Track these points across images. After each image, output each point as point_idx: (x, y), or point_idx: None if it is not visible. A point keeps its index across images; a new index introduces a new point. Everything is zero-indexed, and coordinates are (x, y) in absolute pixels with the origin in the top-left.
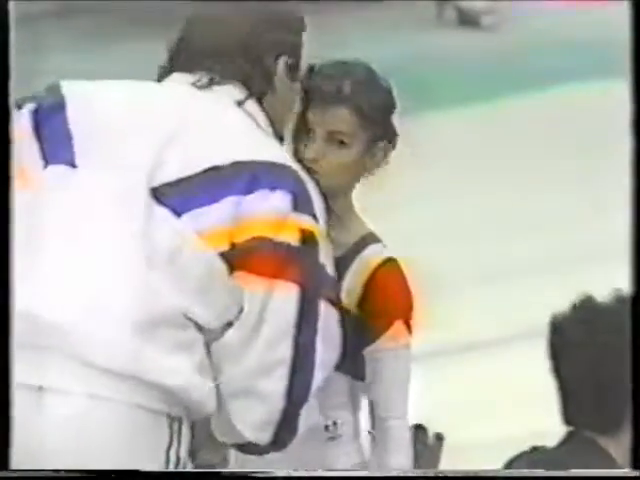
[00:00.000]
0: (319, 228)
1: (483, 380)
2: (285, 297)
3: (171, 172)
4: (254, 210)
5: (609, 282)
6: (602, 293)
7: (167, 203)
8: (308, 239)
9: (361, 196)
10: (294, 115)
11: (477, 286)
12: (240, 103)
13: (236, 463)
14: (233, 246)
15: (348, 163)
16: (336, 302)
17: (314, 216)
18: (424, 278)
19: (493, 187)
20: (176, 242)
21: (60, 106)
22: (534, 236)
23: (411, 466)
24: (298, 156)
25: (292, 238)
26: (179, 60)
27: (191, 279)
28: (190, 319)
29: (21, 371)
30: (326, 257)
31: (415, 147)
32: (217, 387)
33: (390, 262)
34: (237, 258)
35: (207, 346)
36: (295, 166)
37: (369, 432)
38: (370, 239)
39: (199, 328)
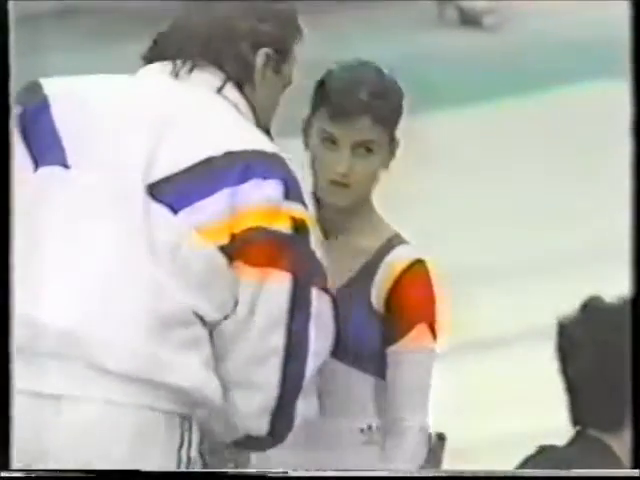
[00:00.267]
0: (309, 215)
1: (489, 379)
2: (278, 286)
3: (165, 167)
4: (248, 200)
5: (615, 282)
6: (607, 293)
7: (163, 200)
8: (300, 227)
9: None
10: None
11: (481, 286)
12: (219, 89)
13: (258, 463)
14: (232, 238)
15: (375, 170)
16: (328, 289)
17: (304, 204)
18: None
19: (493, 188)
20: (175, 239)
21: (44, 106)
22: (538, 235)
23: (417, 468)
24: (322, 169)
25: (284, 227)
26: (157, 48)
27: (194, 275)
28: (197, 315)
29: (27, 379)
30: (316, 244)
31: (416, 147)
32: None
33: (417, 264)
34: (235, 250)
35: (210, 340)
36: (283, 153)
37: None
38: (396, 241)
39: (204, 323)
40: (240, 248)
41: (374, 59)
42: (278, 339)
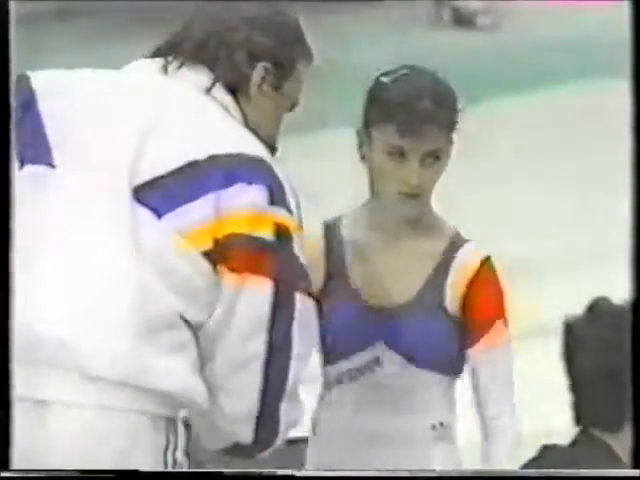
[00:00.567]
0: (293, 221)
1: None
2: (259, 291)
3: (150, 169)
4: (232, 205)
5: (619, 283)
6: (609, 293)
7: (148, 204)
8: (283, 233)
9: None
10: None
11: None
12: (208, 90)
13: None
14: (216, 243)
15: (441, 175)
16: (312, 294)
17: (289, 209)
18: None
19: (490, 188)
20: (160, 244)
21: (31, 101)
22: (541, 236)
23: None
24: (390, 182)
25: (268, 233)
26: (159, 52)
27: (179, 279)
28: (182, 319)
29: (20, 385)
30: (300, 250)
31: None
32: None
33: (487, 262)
34: (219, 255)
35: (196, 344)
36: (269, 158)
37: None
38: (459, 241)
39: (190, 327)
40: (224, 253)
41: (369, 59)
42: (259, 344)
